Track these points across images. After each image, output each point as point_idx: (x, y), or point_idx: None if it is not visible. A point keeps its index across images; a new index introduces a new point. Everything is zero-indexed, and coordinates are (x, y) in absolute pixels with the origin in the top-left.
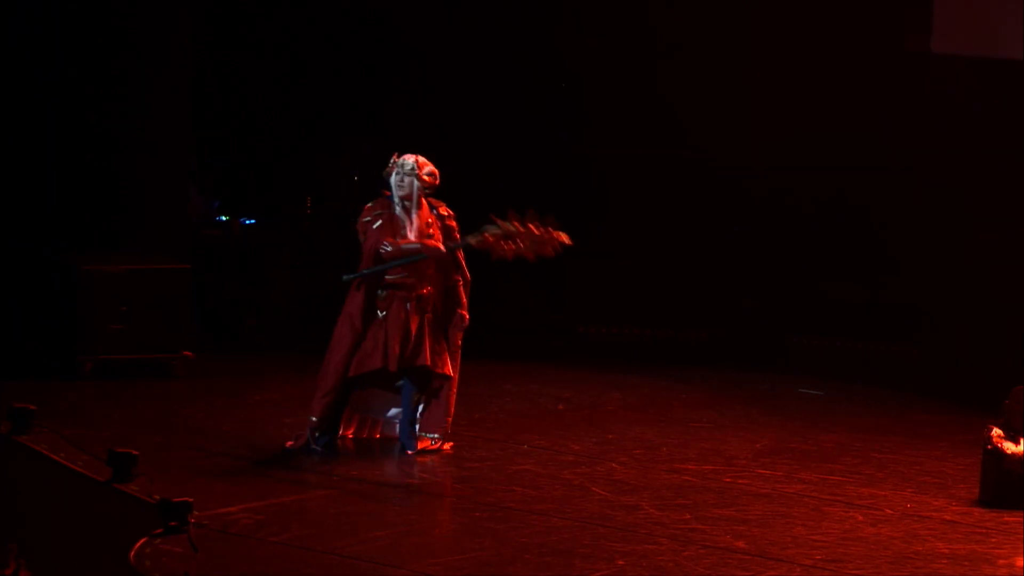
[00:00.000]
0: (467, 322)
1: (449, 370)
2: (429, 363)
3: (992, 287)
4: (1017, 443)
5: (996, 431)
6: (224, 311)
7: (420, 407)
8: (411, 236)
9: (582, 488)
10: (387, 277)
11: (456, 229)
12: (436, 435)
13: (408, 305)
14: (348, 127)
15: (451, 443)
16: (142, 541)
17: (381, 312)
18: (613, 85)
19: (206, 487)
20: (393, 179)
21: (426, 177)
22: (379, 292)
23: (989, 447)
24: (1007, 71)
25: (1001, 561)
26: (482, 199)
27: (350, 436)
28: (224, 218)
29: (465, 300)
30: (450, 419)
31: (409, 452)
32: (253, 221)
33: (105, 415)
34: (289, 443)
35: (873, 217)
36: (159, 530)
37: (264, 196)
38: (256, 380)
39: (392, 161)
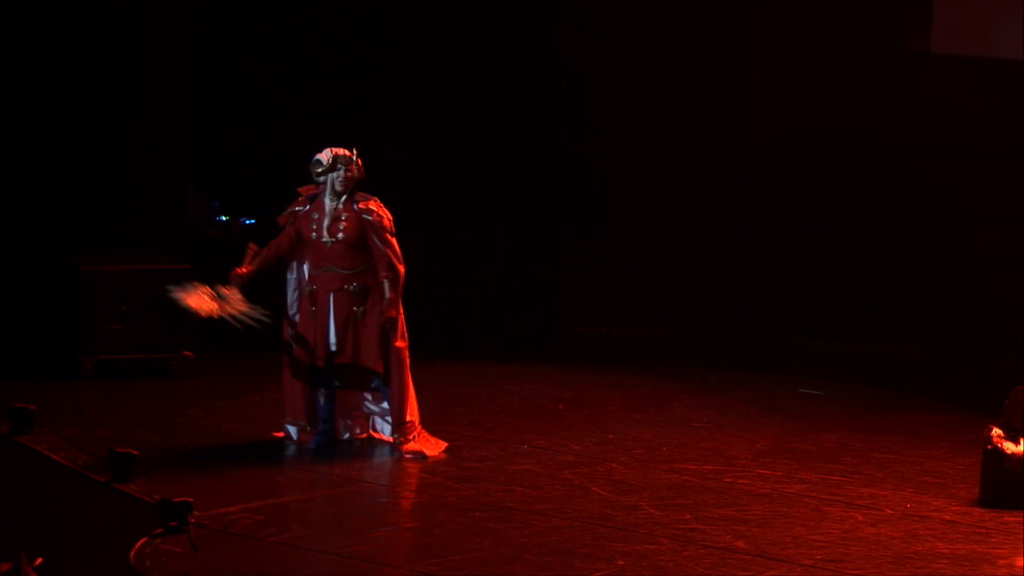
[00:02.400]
0: (391, 318)
1: (380, 366)
2: (345, 360)
3: (992, 287)
4: (1017, 443)
5: (996, 431)
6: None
7: (381, 403)
8: (324, 229)
9: (582, 488)
10: (314, 272)
11: (380, 222)
12: (398, 436)
13: (332, 300)
14: (348, 127)
15: (435, 442)
16: (142, 541)
17: (311, 308)
18: (613, 85)
19: (206, 487)
20: (333, 175)
21: (363, 169)
22: (307, 287)
23: (989, 447)
24: (1007, 71)
25: (1001, 561)
26: (482, 199)
27: (345, 438)
28: (224, 218)
29: (392, 296)
30: (409, 418)
31: (343, 439)
32: (253, 221)
33: (105, 415)
34: (278, 433)
35: (873, 217)
36: (159, 530)
37: (264, 196)
38: (256, 380)
39: (328, 156)
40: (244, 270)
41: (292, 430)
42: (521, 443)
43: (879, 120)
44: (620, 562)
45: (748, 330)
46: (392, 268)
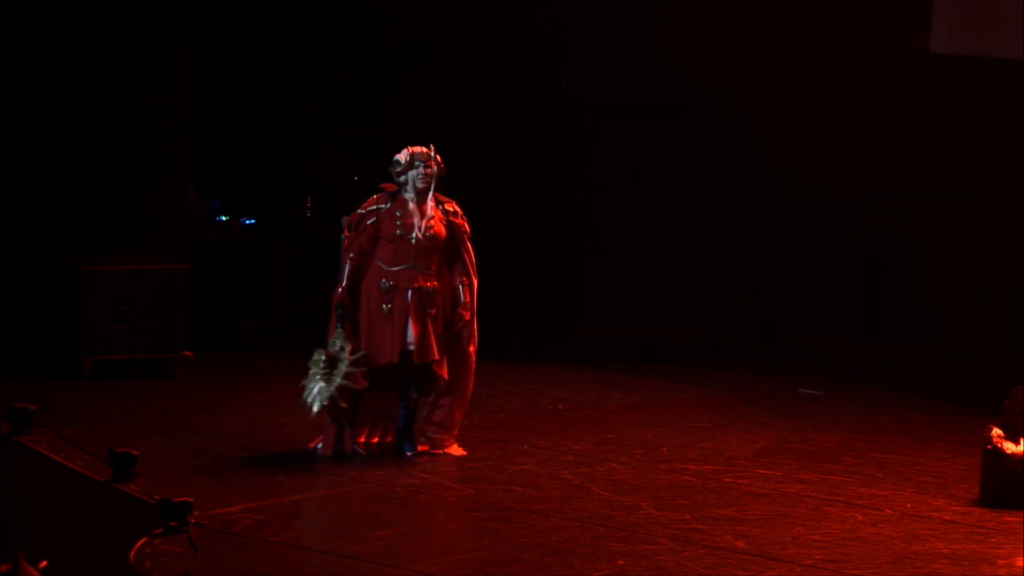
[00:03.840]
0: (466, 321)
1: (446, 372)
2: (424, 360)
3: (992, 287)
4: (1017, 443)
5: (996, 431)
6: (224, 311)
7: (424, 408)
8: (420, 226)
9: (582, 488)
10: (391, 269)
11: (463, 227)
12: (440, 436)
13: (410, 298)
14: (348, 127)
15: (456, 448)
16: (142, 541)
17: (386, 306)
18: (613, 85)
19: (206, 487)
20: (413, 173)
21: (442, 165)
22: (383, 284)
23: (989, 447)
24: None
25: (1001, 561)
26: (483, 200)
27: (362, 442)
28: (224, 218)
29: (468, 300)
30: (456, 427)
31: (408, 454)
32: (253, 221)
33: (105, 415)
34: (313, 444)
35: (873, 216)
36: (159, 530)
37: (264, 196)
38: (256, 380)
39: (406, 155)
40: (344, 292)
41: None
42: (521, 443)
43: (878, 120)
44: (620, 562)
45: (748, 330)
46: (469, 275)
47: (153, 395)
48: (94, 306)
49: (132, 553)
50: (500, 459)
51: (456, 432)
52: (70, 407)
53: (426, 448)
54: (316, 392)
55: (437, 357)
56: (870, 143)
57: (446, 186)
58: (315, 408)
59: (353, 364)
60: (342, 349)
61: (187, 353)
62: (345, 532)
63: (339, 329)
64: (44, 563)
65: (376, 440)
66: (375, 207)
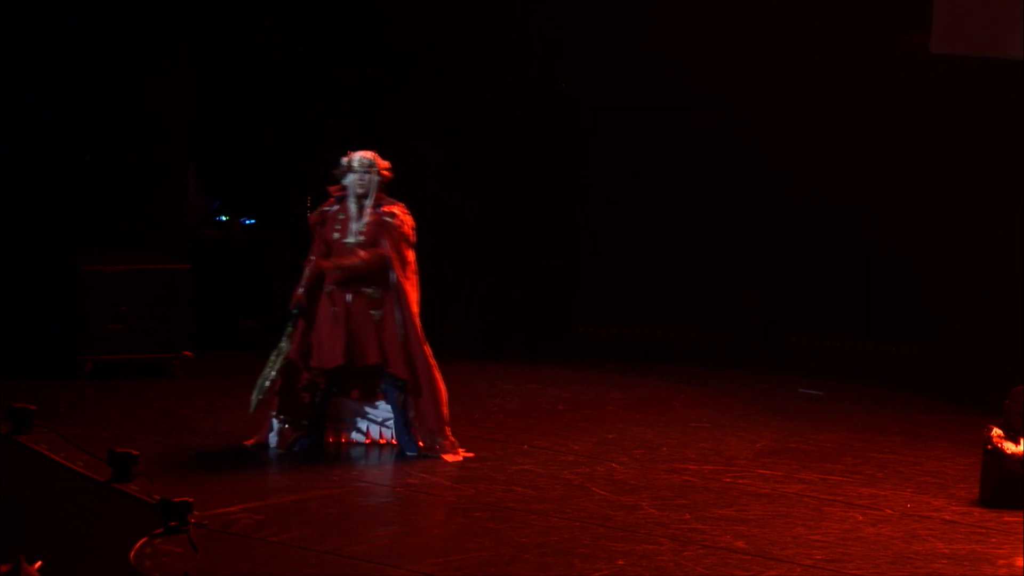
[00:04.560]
0: (323, 267)
1: (405, 371)
2: (364, 363)
3: (992, 287)
4: (1017, 443)
5: (996, 431)
6: (224, 311)
7: (411, 410)
8: (354, 231)
9: (582, 488)
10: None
11: (400, 229)
12: (436, 444)
13: (350, 301)
14: (348, 127)
15: (457, 454)
16: (142, 541)
17: (334, 309)
18: (613, 85)
19: (206, 487)
20: (352, 177)
21: (385, 172)
22: (327, 289)
23: (989, 447)
24: (1007, 71)
25: (1001, 561)
26: (483, 200)
27: (330, 442)
28: (224, 218)
29: (348, 262)
30: (446, 427)
31: (409, 454)
32: (253, 221)
33: (105, 415)
34: (248, 441)
35: (873, 216)
36: (159, 530)
37: (264, 196)
38: (255, 380)
39: (346, 159)
40: (303, 295)
41: (273, 432)
42: (521, 443)
43: (879, 119)
44: (620, 562)
45: (749, 330)
46: (380, 257)
47: (153, 395)
48: (94, 306)
49: (132, 553)
50: (500, 459)
51: (443, 435)
52: (70, 407)
53: (426, 451)
54: (257, 386)
55: (375, 361)
56: (870, 143)
57: (447, 186)
58: (253, 403)
59: (280, 362)
60: (286, 347)
61: (187, 353)
62: (345, 532)
63: (289, 328)
64: (39, 564)
65: (331, 441)
66: (323, 210)
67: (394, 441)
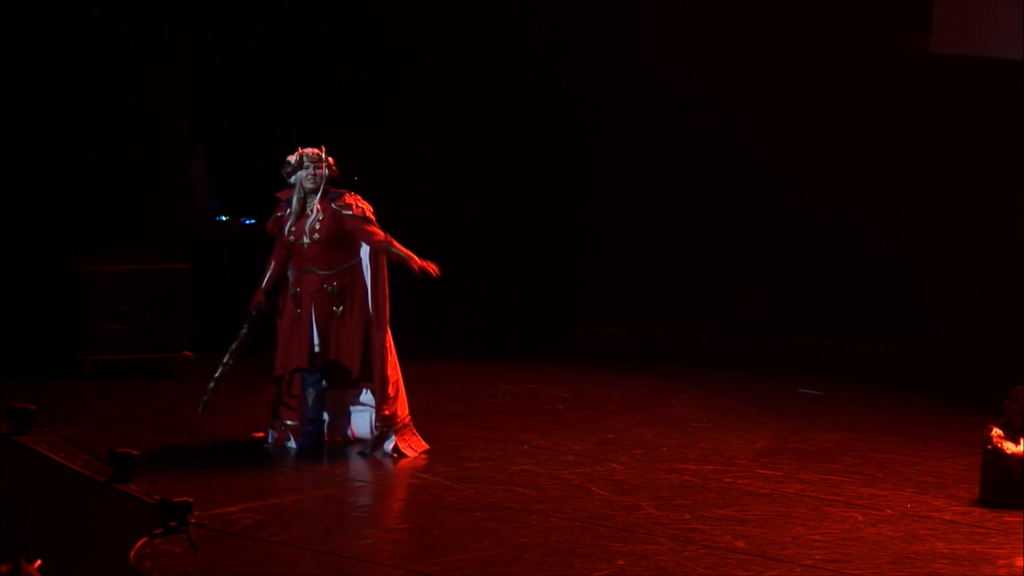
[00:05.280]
0: (425, 267)
1: (358, 364)
2: (329, 359)
3: (992, 287)
4: (1017, 443)
5: (996, 431)
6: (224, 311)
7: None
8: (307, 230)
9: (582, 488)
10: (297, 274)
11: (360, 216)
12: (381, 426)
13: (313, 300)
14: (348, 127)
15: (417, 443)
16: (142, 541)
17: (298, 311)
18: (613, 85)
19: (206, 487)
20: (302, 173)
21: (333, 167)
22: (292, 290)
23: (989, 447)
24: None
25: (1001, 561)
26: (483, 200)
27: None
28: (224, 218)
29: (404, 252)
30: (386, 415)
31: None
32: (253, 221)
33: (105, 415)
34: (258, 434)
35: (873, 216)
36: (159, 530)
37: (264, 196)
38: (256, 380)
39: (296, 156)
40: (261, 295)
41: (271, 431)
42: (521, 443)
43: (879, 119)
44: (620, 562)
45: (749, 330)
46: (383, 239)
47: (153, 395)
48: (94, 306)
49: (132, 553)
50: (500, 459)
51: (394, 423)
52: (70, 407)
53: (370, 441)
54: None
55: (334, 355)
56: (870, 143)
57: (448, 186)
58: (200, 407)
59: (223, 365)
60: (235, 348)
61: (187, 353)
62: (345, 532)
63: (244, 330)
64: (39, 563)
65: (339, 439)
66: (278, 215)
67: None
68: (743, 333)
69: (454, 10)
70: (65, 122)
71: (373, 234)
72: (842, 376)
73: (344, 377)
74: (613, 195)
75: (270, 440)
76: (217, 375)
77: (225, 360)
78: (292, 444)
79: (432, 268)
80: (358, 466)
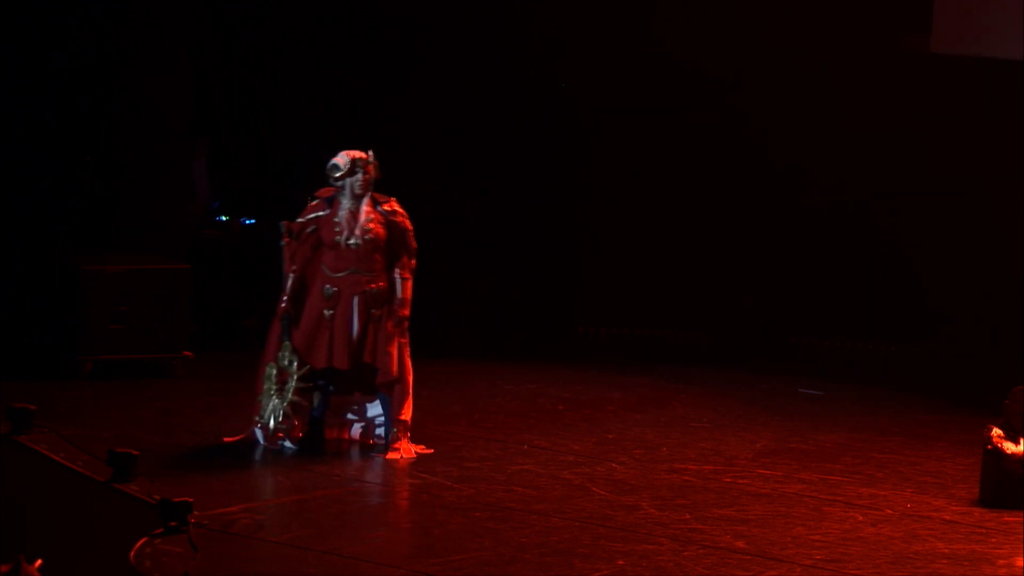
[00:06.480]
0: (402, 317)
1: (395, 371)
2: (370, 361)
3: (992, 287)
4: (1017, 443)
5: (996, 431)
6: (224, 311)
7: (369, 410)
8: (357, 230)
9: (582, 488)
10: (335, 275)
11: (404, 224)
12: (393, 431)
13: (356, 302)
14: (348, 127)
15: (418, 448)
16: (142, 541)
17: (328, 311)
18: (613, 85)
19: (206, 487)
20: (352, 179)
21: (377, 170)
22: (326, 289)
23: (989, 447)
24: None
25: (1001, 561)
26: (483, 200)
27: (332, 438)
28: (224, 218)
29: (405, 296)
30: (403, 419)
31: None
32: (253, 221)
33: (105, 415)
34: (228, 439)
35: (873, 216)
36: (159, 530)
37: (264, 196)
38: (256, 380)
39: (346, 161)
40: (289, 303)
41: (259, 432)
42: (521, 443)
43: (879, 119)
44: (620, 562)
45: (749, 330)
46: (411, 271)
47: (153, 395)
48: (94, 306)
49: (132, 553)
50: (500, 459)
51: (407, 430)
52: (70, 407)
53: (346, 438)
54: (271, 408)
55: (370, 358)
56: (870, 143)
57: (448, 185)
58: (271, 424)
59: (302, 379)
60: (291, 364)
61: (187, 353)
62: (345, 532)
63: (286, 343)
64: (39, 563)
65: (347, 437)
66: (314, 215)
67: (380, 440)
68: (743, 333)
69: (454, 10)
70: (65, 122)
71: (408, 260)
72: (842, 376)
73: (369, 382)
74: (613, 195)
75: (261, 441)
76: (287, 398)
77: (273, 377)
78: (289, 444)
79: (399, 320)
80: (358, 466)
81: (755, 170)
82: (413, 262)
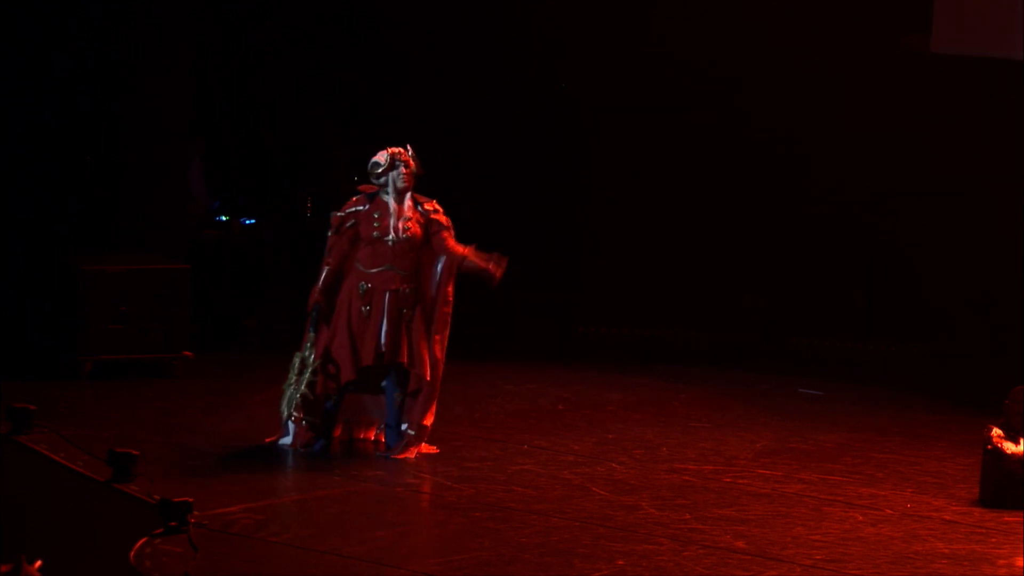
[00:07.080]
0: (502, 265)
1: (428, 372)
2: (405, 361)
3: (992, 287)
4: (1017, 443)
5: (996, 431)
6: (224, 311)
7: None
8: (397, 227)
9: (582, 488)
10: (369, 271)
11: (442, 222)
12: (410, 433)
13: (387, 300)
14: (348, 127)
15: (426, 447)
16: (142, 541)
17: (365, 308)
18: (613, 85)
19: (206, 487)
20: (394, 174)
21: (420, 167)
22: (361, 286)
23: (989, 447)
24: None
25: (1001, 561)
26: (483, 200)
27: (338, 438)
28: (224, 218)
29: (486, 255)
30: (426, 424)
31: (392, 457)
32: (253, 221)
33: (105, 415)
34: (270, 439)
35: (873, 216)
36: (159, 530)
37: (264, 196)
38: (256, 380)
39: (386, 157)
40: (320, 294)
41: (292, 427)
42: (521, 443)
43: (879, 119)
44: (620, 562)
45: (749, 330)
46: (461, 253)
47: (153, 395)
48: (94, 306)
49: (132, 553)
50: (500, 459)
51: (425, 434)
52: (70, 407)
53: (364, 438)
54: (287, 397)
55: (406, 359)
56: (870, 143)
57: (448, 184)
58: (284, 413)
59: (313, 373)
60: (310, 355)
61: (187, 353)
62: (345, 532)
63: (312, 334)
64: (39, 563)
65: (361, 437)
66: (353, 209)
67: (382, 438)
68: (743, 333)
69: (454, 10)
70: (65, 122)
71: (453, 246)
72: (842, 376)
73: (402, 383)
74: (613, 195)
75: (290, 440)
76: (300, 390)
77: (296, 368)
78: (318, 446)
79: (500, 270)
80: (358, 466)
81: (755, 170)
82: (459, 248)
